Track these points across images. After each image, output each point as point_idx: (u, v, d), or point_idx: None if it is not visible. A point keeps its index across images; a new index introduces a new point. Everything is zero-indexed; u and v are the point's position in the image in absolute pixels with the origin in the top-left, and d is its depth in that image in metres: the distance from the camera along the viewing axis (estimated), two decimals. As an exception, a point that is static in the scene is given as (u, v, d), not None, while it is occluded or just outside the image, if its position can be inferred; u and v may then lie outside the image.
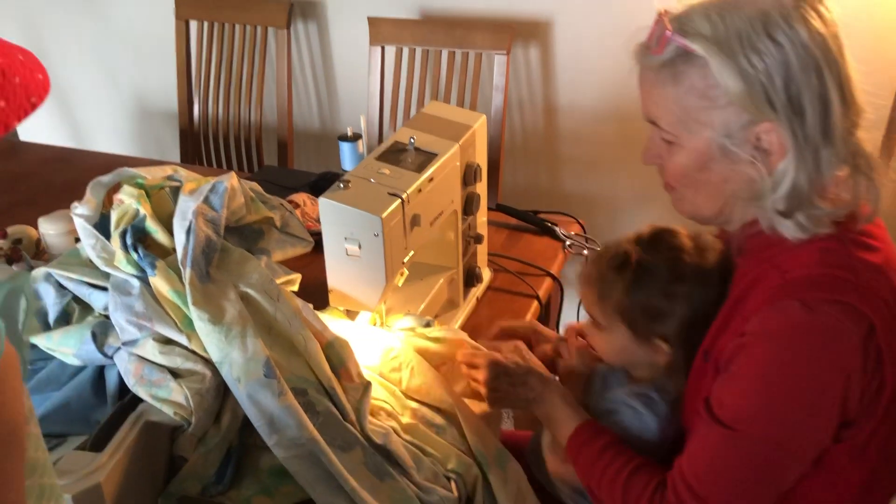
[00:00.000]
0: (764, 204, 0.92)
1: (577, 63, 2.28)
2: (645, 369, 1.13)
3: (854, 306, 0.86)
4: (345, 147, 1.74)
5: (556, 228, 1.71)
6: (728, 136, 0.91)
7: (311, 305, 1.14)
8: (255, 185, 1.31)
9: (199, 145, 2.60)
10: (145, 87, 2.85)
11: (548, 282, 1.57)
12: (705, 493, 0.92)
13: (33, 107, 0.62)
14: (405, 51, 2.31)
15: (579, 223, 1.77)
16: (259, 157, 2.55)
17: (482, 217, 1.47)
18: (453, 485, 1.07)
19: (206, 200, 1.16)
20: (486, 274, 1.53)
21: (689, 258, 1.04)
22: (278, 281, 1.17)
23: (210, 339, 1.04)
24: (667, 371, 1.10)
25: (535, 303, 1.50)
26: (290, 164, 2.52)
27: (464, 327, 1.41)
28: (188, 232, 1.12)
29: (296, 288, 1.22)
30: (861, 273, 0.88)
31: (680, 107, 0.92)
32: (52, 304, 1.15)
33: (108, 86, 2.90)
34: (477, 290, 1.48)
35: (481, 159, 1.39)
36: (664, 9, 0.94)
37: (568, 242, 1.68)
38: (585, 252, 1.67)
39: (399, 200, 1.12)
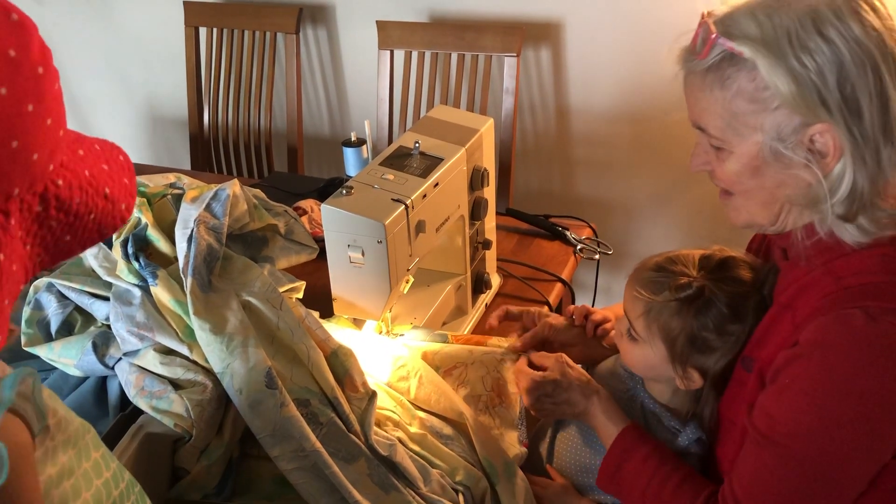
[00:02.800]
0: (822, 208, 0.87)
1: (589, 65, 2.25)
2: (666, 389, 1.10)
3: None
4: (349, 152, 1.72)
5: (567, 233, 1.69)
6: (780, 139, 0.86)
7: (315, 314, 1.12)
8: (258, 191, 1.29)
9: (209, 151, 2.60)
10: (156, 94, 2.85)
11: (558, 287, 1.55)
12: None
13: (125, 217, 0.64)
14: (414, 54, 2.29)
15: (591, 227, 1.74)
16: (269, 163, 2.54)
17: (491, 222, 1.44)
18: (461, 497, 1.05)
19: (208, 208, 1.14)
20: (496, 280, 1.50)
21: (750, 295, 1.00)
22: (282, 289, 1.15)
23: (211, 350, 1.02)
24: (690, 395, 1.08)
25: (546, 309, 1.47)
26: (300, 170, 2.51)
27: (473, 333, 1.39)
28: (190, 240, 1.10)
29: (300, 295, 1.20)
30: None
31: (728, 111, 0.88)
32: (53, 314, 1.14)
33: (119, 93, 2.91)
34: (486, 297, 1.46)
35: (489, 163, 1.37)
36: (707, 11, 0.90)
37: (579, 247, 1.65)
38: (597, 256, 1.65)
39: (403, 206, 1.10)
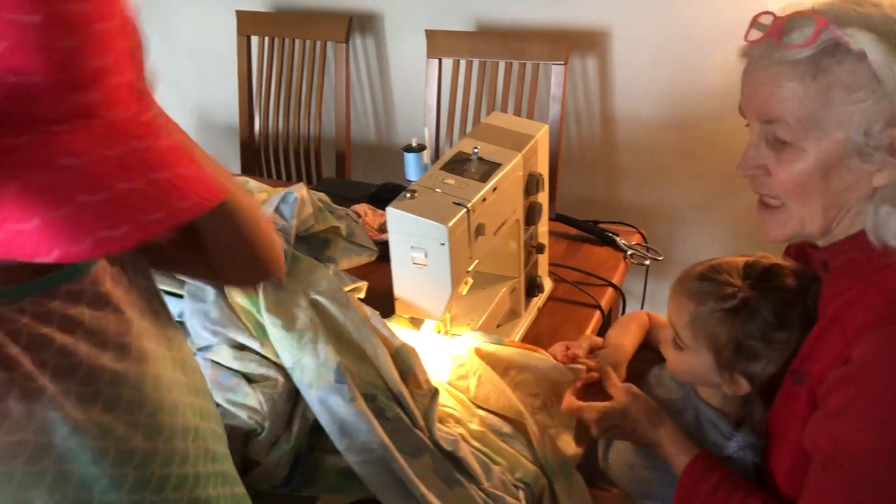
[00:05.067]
0: (889, 211, 0.86)
1: (636, 73, 2.27)
2: (715, 394, 1.11)
3: None
4: (409, 158, 1.76)
5: (617, 238, 1.71)
6: (867, 133, 0.84)
7: (378, 313, 1.16)
8: (322, 195, 1.34)
9: (258, 158, 2.66)
10: (207, 101, 2.92)
11: (610, 292, 1.57)
12: None
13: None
14: (462, 63, 2.33)
15: (640, 233, 1.76)
16: (318, 169, 2.59)
17: (544, 227, 1.47)
18: (521, 494, 1.08)
19: (278, 210, 1.19)
20: (548, 284, 1.53)
21: (795, 303, 1.01)
22: (346, 289, 1.20)
23: (282, 345, 1.06)
24: (739, 400, 1.09)
25: (598, 313, 1.50)
26: (347, 176, 2.56)
27: (525, 337, 1.41)
28: (259, 241, 1.14)
29: (362, 295, 1.24)
30: None
31: (818, 102, 0.84)
32: (129, 310, 1.18)
33: (171, 100, 2.98)
34: (538, 300, 1.49)
35: (543, 169, 1.40)
36: (780, 7, 0.88)
37: (629, 252, 1.67)
38: (647, 262, 1.66)
39: (464, 210, 1.14)
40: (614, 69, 2.29)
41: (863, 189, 0.88)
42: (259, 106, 2.62)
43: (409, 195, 1.15)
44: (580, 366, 1.24)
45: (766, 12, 0.89)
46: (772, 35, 0.87)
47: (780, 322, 1.00)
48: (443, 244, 1.11)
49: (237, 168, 2.75)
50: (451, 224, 1.11)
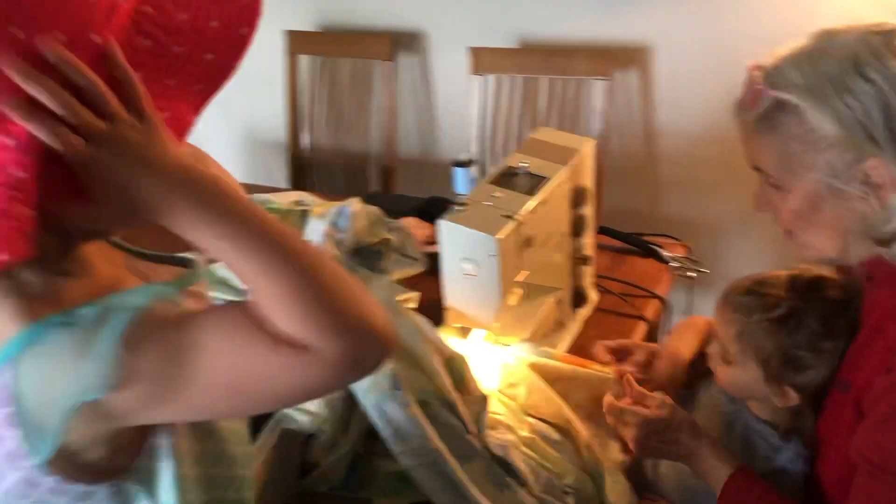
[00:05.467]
0: (886, 242, 0.92)
1: (678, 87, 2.29)
2: (765, 407, 1.13)
3: None
4: (459, 172, 1.81)
5: (661, 250, 1.72)
6: (834, 175, 0.91)
7: (430, 322, 1.19)
8: (376, 208, 1.38)
9: (305, 173, 2.73)
10: (256, 117, 3.00)
11: (655, 303, 1.58)
12: None
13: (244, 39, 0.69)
14: (505, 79, 2.37)
15: (684, 245, 1.78)
16: (364, 184, 2.65)
17: (589, 239, 1.50)
18: (570, 499, 1.10)
19: (334, 223, 1.24)
20: (593, 295, 1.55)
21: (841, 312, 1.03)
22: (398, 299, 1.24)
23: (339, 353, 1.10)
24: (788, 411, 1.10)
25: (643, 324, 1.52)
26: (392, 190, 2.61)
27: (571, 348, 1.44)
28: (317, 252, 1.19)
29: (415, 305, 1.28)
30: None
31: (782, 154, 0.94)
32: (193, 319, 1.24)
33: (221, 118, 3.07)
34: (584, 311, 1.51)
35: (589, 182, 1.43)
36: (755, 63, 0.96)
37: (674, 264, 1.69)
38: (692, 274, 1.68)
39: (514, 222, 1.17)
40: (657, 83, 2.32)
41: (857, 214, 0.93)
42: (307, 122, 2.69)
43: (460, 208, 1.19)
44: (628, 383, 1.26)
45: (756, 67, 0.96)
46: (742, 97, 0.97)
47: (827, 331, 1.01)
48: (492, 255, 1.15)
49: (284, 183, 2.82)
50: (501, 236, 1.14)
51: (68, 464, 0.65)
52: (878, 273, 0.98)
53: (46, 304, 0.63)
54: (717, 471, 1.07)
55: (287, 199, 1.32)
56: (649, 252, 1.74)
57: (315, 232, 1.22)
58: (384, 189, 2.62)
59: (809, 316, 1.03)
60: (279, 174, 2.91)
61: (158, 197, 0.61)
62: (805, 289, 1.05)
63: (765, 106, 0.93)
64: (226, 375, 0.61)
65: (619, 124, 2.42)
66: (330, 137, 2.66)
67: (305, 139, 2.70)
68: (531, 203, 1.22)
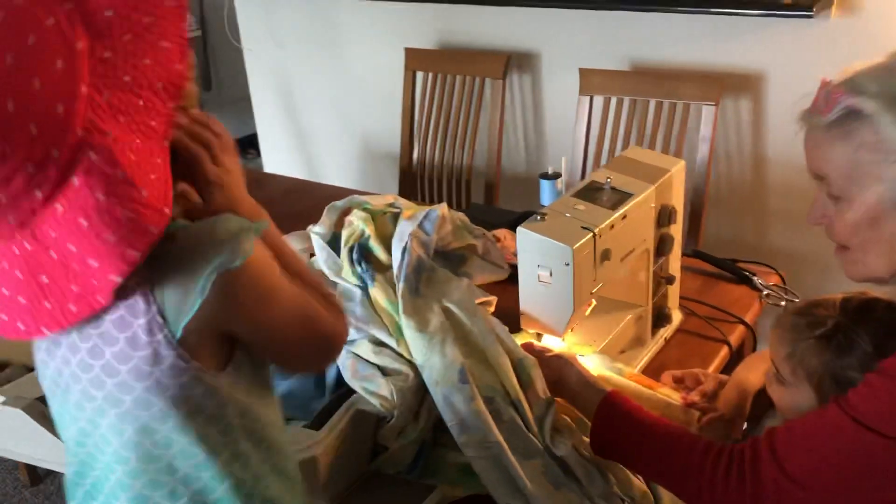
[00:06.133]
0: None
1: (791, 116, 2.23)
2: None
3: None
4: (545, 185, 1.86)
5: (755, 278, 1.70)
6: None
7: (503, 325, 1.25)
8: (462, 215, 1.45)
9: (415, 184, 2.84)
10: (373, 130, 3.16)
11: (740, 329, 1.57)
12: (786, 455, 0.93)
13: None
14: (613, 100, 2.40)
15: (780, 274, 1.75)
16: (468, 196, 2.73)
17: (676, 259, 1.51)
18: (626, 506, 1.13)
19: (421, 226, 1.31)
20: (677, 316, 1.56)
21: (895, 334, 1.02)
22: (477, 301, 1.30)
23: (415, 345, 1.18)
24: None
25: (725, 348, 1.51)
26: (496, 203, 2.68)
27: (650, 365, 1.45)
28: (404, 252, 1.28)
29: (492, 309, 1.33)
30: None
31: (851, 162, 0.94)
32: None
33: (341, 128, 3.25)
34: (666, 331, 1.52)
35: (678, 203, 1.44)
36: (825, 78, 0.98)
37: (765, 293, 1.67)
38: (783, 303, 1.65)
39: (591, 234, 1.21)
40: (768, 111, 2.28)
41: None
42: (419, 136, 2.80)
43: (539, 218, 1.24)
44: (696, 411, 1.27)
45: (826, 82, 0.97)
46: (815, 102, 0.97)
47: (880, 352, 1.00)
48: (567, 264, 1.19)
49: (395, 192, 2.95)
50: (576, 246, 1.19)
51: (192, 341, 0.76)
52: None
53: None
54: (587, 390, 1.16)
55: (381, 201, 1.41)
56: (742, 279, 1.72)
57: (403, 233, 1.30)
58: (488, 202, 2.70)
59: (860, 336, 1.02)
60: (391, 183, 3.05)
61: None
62: (856, 310, 1.05)
63: (839, 111, 0.93)
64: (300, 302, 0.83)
65: (728, 151, 2.40)
66: (439, 151, 2.76)
67: (417, 152, 2.82)
68: (611, 217, 1.26)
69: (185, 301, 0.73)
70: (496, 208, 2.49)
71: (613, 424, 1.11)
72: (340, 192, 2.31)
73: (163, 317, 0.74)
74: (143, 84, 0.72)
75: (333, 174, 3.37)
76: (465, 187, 2.73)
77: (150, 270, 0.73)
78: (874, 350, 1.01)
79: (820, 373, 1.04)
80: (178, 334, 0.74)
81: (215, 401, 0.79)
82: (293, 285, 0.83)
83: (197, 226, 0.78)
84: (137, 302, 0.74)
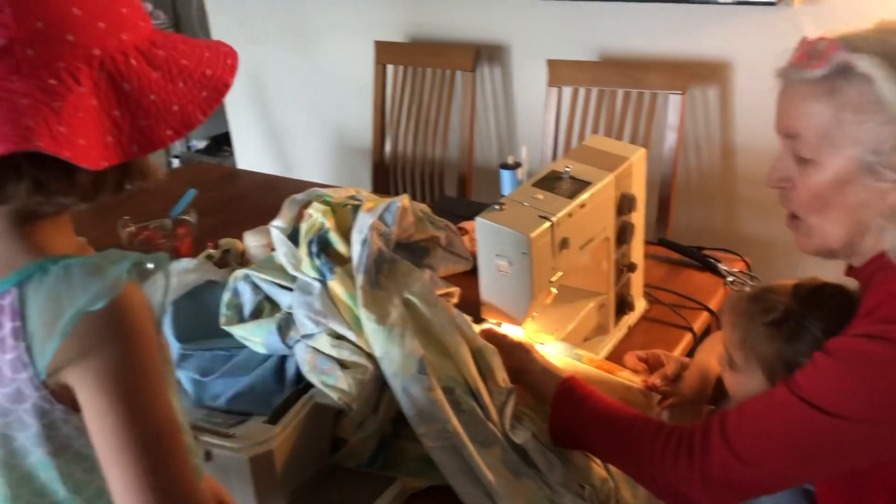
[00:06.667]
0: None
1: (758, 104, 2.25)
2: None
3: None
4: (505, 174, 1.86)
5: (719, 265, 1.71)
6: (877, 153, 0.90)
7: (464, 315, 1.25)
8: (424, 206, 1.45)
9: (388, 177, 2.84)
10: (345, 124, 3.14)
11: (704, 316, 1.58)
12: (735, 435, 0.94)
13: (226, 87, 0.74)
14: (581, 91, 2.40)
15: (745, 261, 1.76)
16: (441, 189, 2.73)
17: (638, 247, 1.51)
18: (586, 493, 1.13)
19: (381, 217, 1.31)
20: (641, 304, 1.57)
21: (846, 320, 1.01)
22: (439, 292, 1.30)
23: (374, 337, 1.17)
24: None
25: (689, 335, 1.52)
26: (468, 196, 2.68)
27: (613, 352, 1.46)
28: (363, 244, 1.27)
29: (455, 300, 1.33)
30: None
31: (831, 120, 0.91)
32: (248, 300, 1.34)
33: (313, 122, 3.24)
34: (629, 319, 1.53)
35: (638, 191, 1.45)
36: (823, 35, 0.94)
37: (730, 279, 1.68)
38: (747, 289, 1.66)
39: (548, 223, 1.21)
40: (735, 99, 2.29)
41: (878, 207, 0.92)
42: (391, 129, 2.80)
43: (497, 207, 1.24)
44: (656, 394, 1.28)
45: (809, 39, 0.95)
46: (799, 57, 0.94)
47: (829, 337, 1.00)
48: (525, 253, 1.19)
49: (368, 186, 2.94)
50: (533, 235, 1.19)
51: (55, 383, 0.71)
52: (872, 280, 0.97)
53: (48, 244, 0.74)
54: (546, 377, 1.16)
55: (343, 193, 1.41)
56: (707, 266, 1.73)
57: (363, 225, 1.29)
58: (460, 194, 2.70)
59: (810, 321, 1.03)
60: (364, 177, 3.04)
61: None
62: (806, 295, 1.05)
63: (830, 68, 0.91)
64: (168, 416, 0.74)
65: (696, 139, 2.41)
66: (412, 144, 2.76)
67: (389, 145, 2.81)
68: (569, 206, 1.26)
69: (48, 340, 0.69)
70: (465, 200, 2.49)
71: (570, 409, 1.12)
72: (310, 187, 2.31)
73: (30, 355, 0.70)
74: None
75: (306, 169, 3.35)
76: (439, 180, 2.72)
77: (23, 307, 0.70)
78: (824, 336, 1.01)
79: (771, 360, 1.05)
80: (43, 375, 0.70)
81: (84, 440, 0.73)
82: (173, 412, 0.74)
83: (73, 261, 0.72)
84: (6, 338, 0.70)
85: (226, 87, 0.73)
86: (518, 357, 1.22)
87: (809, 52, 0.93)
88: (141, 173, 0.75)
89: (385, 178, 2.84)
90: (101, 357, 0.70)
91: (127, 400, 0.70)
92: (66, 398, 0.72)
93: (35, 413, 0.72)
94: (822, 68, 0.91)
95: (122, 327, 0.70)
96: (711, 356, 1.31)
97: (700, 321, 1.56)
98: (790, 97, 0.96)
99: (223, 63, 0.75)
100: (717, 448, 0.95)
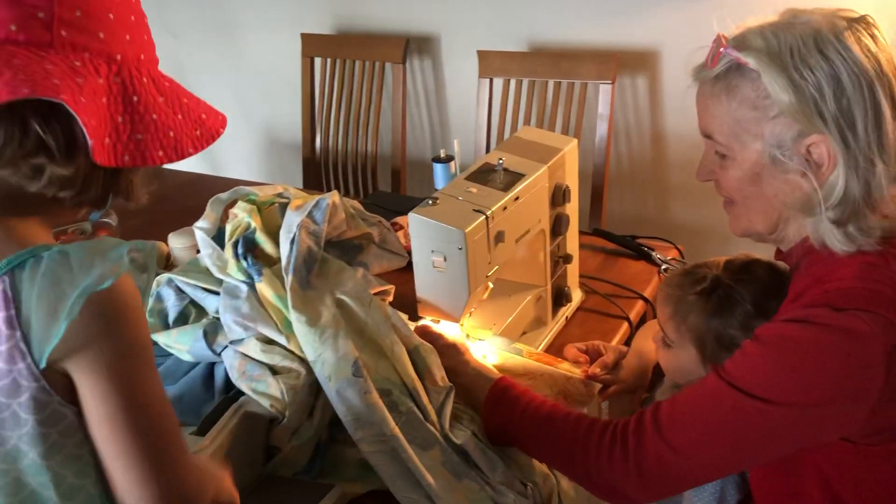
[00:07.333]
0: (816, 216, 0.93)
1: (686, 91, 2.27)
2: None
3: (885, 317, 0.86)
4: (438, 168, 1.83)
5: (653, 253, 1.72)
6: (779, 146, 0.93)
7: (399, 313, 1.22)
8: (355, 202, 1.41)
9: (319, 173, 2.78)
10: (274, 119, 3.07)
11: (640, 304, 1.58)
12: (668, 426, 0.95)
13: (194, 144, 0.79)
14: (512, 82, 2.39)
15: (678, 248, 1.77)
16: (374, 184, 2.68)
17: (573, 238, 1.50)
18: (528, 490, 1.11)
19: (310, 215, 1.26)
20: (577, 295, 1.56)
21: (775, 295, 1.03)
22: (374, 291, 1.26)
23: (306, 340, 1.13)
24: None
25: (625, 324, 1.52)
26: (402, 190, 2.64)
27: (552, 344, 1.45)
28: (292, 243, 1.22)
29: (390, 299, 1.30)
30: None
31: (733, 118, 0.95)
32: (171, 306, 1.28)
33: (241, 118, 3.14)
34: (566, 310, 1.52)
35: (572, 182, 1.44)
36: (721, 33, 0.98)
37: (663, 267, 1.68)
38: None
39: (483, 217, 1.19)
40: (664, 88, 2.31)
41: (795, 194, 0.95)
42: (321, 123, 2.73)
43: (431, 202, 1.21)
44: (597, 384, 1.27)
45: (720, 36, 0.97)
46: (707, 57, 0.98)
47: (759, 312, 1.02)
48: (460, 248, 1.17)
49: (299, 183, 2.87)
50: (468, 229, 1.16)
51: (54, 372, 0.71)
52: (801, 264, 0.99)
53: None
54: (479, 379, 1.15)
55: (269, 191, 1.36)
56: (641, 254, 1.74)
57: (291, 224, 1.25)
58: (395, 189, 2.66)
59: (739, 293, 1.05)
60: (295, 174, 2.97)
61: None
62: (737, 269, 1.07)
63: (723, 66, 0.94)
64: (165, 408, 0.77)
65: (628, 128, 2.42)
66: (342, 138, 2.70)
67: (319, 140, 2.75)
68: (504, 199, 1.24)
69: (52, 325, 0.68)
70: (399, 195, 2.45)
71: (503, 411, 1.10)
72: (239, 185, 2.24)
73: (27, 343, 0.69)
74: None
75: (235, 166, 3.26)
76: (372, 174, 2.68)
77: (16, 295, 0.69)
78: (754, 308, 1.03)
79: (702, 330, 1.06)
80: (42, 364, 0.70)
81: (77, 437, 0.74)
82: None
83: (68, 247, 0.73)
84: (0, 328, 0.69)
85: (217, 134, 0.80)
86: (451, 358, 1.19)
87: (711, 51, 0.97)
88: (126, 191, 0.77)
89: (317, 173, 2.78)
90: (106, 341, 0.71)
91: (131, 383, 0.72)
92: (62, 388, 0.72)
93: (31, 407, 0.71)
94: (716, 67, 0.95)
95: (126, 311, 0.72)
96: (648, 342, 1.31)
97: (636, 310, 1.57)
98: (700, 98, 1.00)
99: (216, 117, 0.81)
100: (651, 440, 0.95)
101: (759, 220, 1.00)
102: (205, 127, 0.78)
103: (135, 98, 0.72)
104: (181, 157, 0.74)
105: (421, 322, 1.27)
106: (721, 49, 0.94)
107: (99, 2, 0.72)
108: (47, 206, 0.75)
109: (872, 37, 0.90)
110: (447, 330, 1.24)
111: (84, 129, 0.67)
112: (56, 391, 0.71)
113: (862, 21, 0.92)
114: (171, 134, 0.74)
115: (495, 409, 1.11)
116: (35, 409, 0.71)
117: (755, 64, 0.91)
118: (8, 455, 0.73)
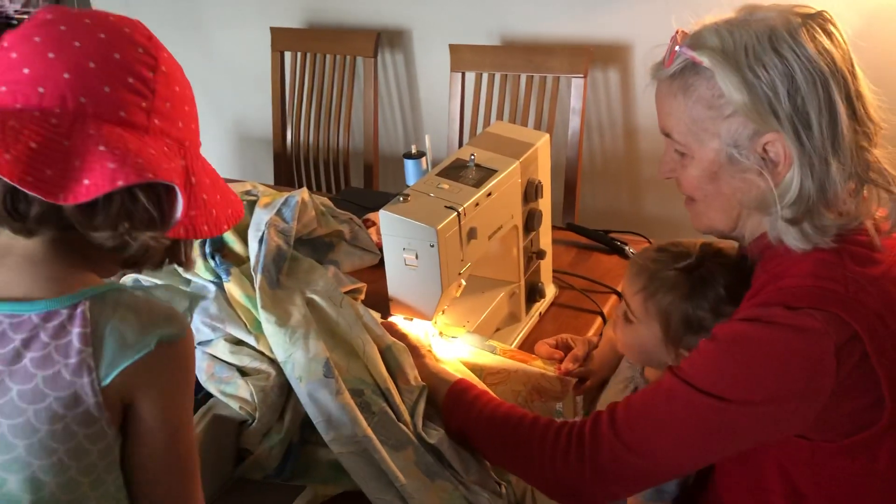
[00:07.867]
0: (772, 214, 0.93)
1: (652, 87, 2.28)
2: (659, 374, 1.13)
3: (837, 315, 0.86)
4: (409, 164, 1.81)
5: (626, 247, 1.72)
6: (735, 145, 0.93)
7: (372, 312, 1.20)
8: (326, 200, 1.39)
9: (291, 168, 2.74)
10: (243, 114, 3.02)
11: (613, 299, 1.58)
12: (624, 425, 0.95)
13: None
14: (484, 76, 2.38)
15: (650, 242, 1.77)
16: (346, 179, 2.66)
17: (546, 234, 1.50)
18: (503, 489, 1.10)
19: (279, 213, 1.24)
20: (551, 290, 1.55)
21: (745, 283, 1.03)
22: (345, 289, 1.24)
23: (276, 340, 1.11)
24: None
25: (599, 319, 1.51)
26: (375, 186, 2.62)
27: (526, 340, 1.44)
28: (261, 241, 1.20)
29: (362, 297, 1.28)
30: (851, 285, 0.88)
31: (690, 117, 0.95)
32: (139, 306, 1.25)
33: (210, 114, 3.10)
34: (540, 306, 1.51)
35: (544, 177, 1.43)
36: (681, 29, 0.97)
37: (637, 261, 1.68)
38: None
39: (455, 213, 1.17)
40: (636, 82, 2.31)
41: (752, 192, 0.95)
42: (292, 119, 2.70)
43: (402, 199, 1.19)
44: (571, 378, 1.26)
45: (681, 31, 0.97)
46: (664, 57, 0.97)
47: (730, 298, 1.03)
48: (432, 246, 1.15)
49: (270, 179, 2.84)
50: (440, 226, 1.15)
51: (113, 392, 0.76)
52: (760, 258, 1.00)
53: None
54: (436, 382, 1.14)
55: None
56: (615, 249, 1.74)
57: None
58: (367, 185, 2.63)
59: (716, 278, 1.05)
60: (266, 169, 2.93)
61: None
62: (715, 254, 1.08)
63: (679, 65, 0.94)
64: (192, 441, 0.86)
65: (600, 122, 2.42)
66: (314, 134, 2.67)
67: (290, 135, 2.72)
68: (476, 195, 1.22)
69: (126, 349, 0.75)
70: (371, 191, 2.43)
71: (460, 413, 1.10)
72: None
73: (95, 361, 0.75)
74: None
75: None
76: (344, 170, 2.65)
77: (94, 317, 0.75)
78: (726, 293, 1.03)
79: (671, 309, 1.06)
80: (105, 382, 0.75)
81: (107, 461, 0.79)
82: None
83: (149, 287, 0.86)
84: (72, 342, 0.74)
85: (240, 216, 0.86)
86: (413, 354, 1.17)
87: (668, 49, 0.96)
88: (183, 257, 0.85)
89: (288, 169, 2.75)
90: (169, 380, 0.79)
91: (182, 419, 0.82)
92: (111, 409, 0.77)
93: (82, 421, 0.76)
94: (672, 66, 0.95)
95: (187, 355, 0.81)
96: None
97: (609, 304, 1.57)
98: (658, 96, 0.99)
99: (238, 200, 0.88)
100: (607, 440, 0.95)
101: (718, 218, 1.00)
102: (234, 207, 0.86)
103: (192, 179, 0.80)
104: (219, 232, 0.82)
105: (389, 319, 1.25)
106: (676, 48, 0.94)
107: (180, 96, 0.81)
108: (113, 264, 0.83)
109: (828, 33, 0.90)
110: (411, 330, 1.22)
111: (180, 208, 0.75)
112: (107, 409, 0.77)
113: (818, 17, 0.91)
114: (214, 212, 0.82)
115: (453, 411, 1.10)
116: (84, 423, 0.76)
117: (709, 63, 0.90)
118: (43, 470, 0.76)
